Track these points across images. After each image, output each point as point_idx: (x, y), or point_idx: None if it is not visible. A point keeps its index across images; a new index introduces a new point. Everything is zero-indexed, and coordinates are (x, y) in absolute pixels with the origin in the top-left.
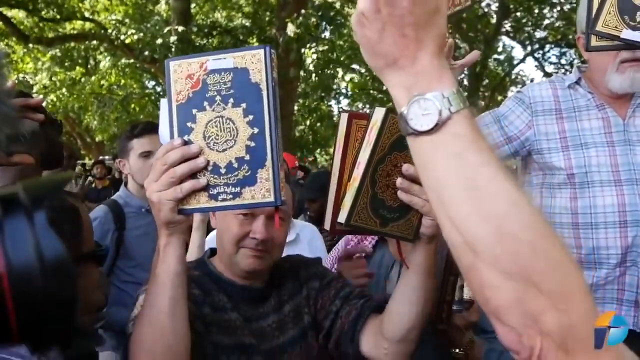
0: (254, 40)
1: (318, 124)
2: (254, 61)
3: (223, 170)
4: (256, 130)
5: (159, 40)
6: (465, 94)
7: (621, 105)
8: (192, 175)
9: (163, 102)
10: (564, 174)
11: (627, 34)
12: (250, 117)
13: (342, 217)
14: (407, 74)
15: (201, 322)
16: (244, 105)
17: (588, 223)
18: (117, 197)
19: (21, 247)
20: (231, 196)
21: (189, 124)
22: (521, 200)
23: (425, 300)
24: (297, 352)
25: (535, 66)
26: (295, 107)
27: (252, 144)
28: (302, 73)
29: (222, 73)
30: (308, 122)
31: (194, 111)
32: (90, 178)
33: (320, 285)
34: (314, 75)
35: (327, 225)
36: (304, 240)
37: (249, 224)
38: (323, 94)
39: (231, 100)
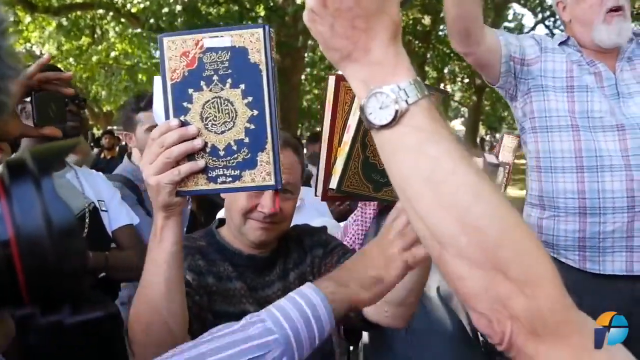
0: (261, 9)
1: None
2: (253, 40)
3: (222, 153)
4: (256, 112)
5: (165, 9)
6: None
7: (609, 61)
8: (189, 156)
9: (156, 80)
10: (567, 115)
11: None
12: (250, 98)
13: (333, 183)
14: (362, 66)
15: (204, 292)
16: (242, 86)
17: (593, 166)
18: (123, 172)
19: (29, 212)
20: (231, 179)
21: (185, 104)
22: (484, 189)
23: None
24: None
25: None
26: (302, 77)
27: (252, 127)
28: (309, 42)
29: (220, 52)
30: (315, 92)
31: (190, 91)
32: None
33: (324, 252)
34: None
35: (318, 192)
36: (308, 204)
37: (257, 197)
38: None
39: (229, 80)
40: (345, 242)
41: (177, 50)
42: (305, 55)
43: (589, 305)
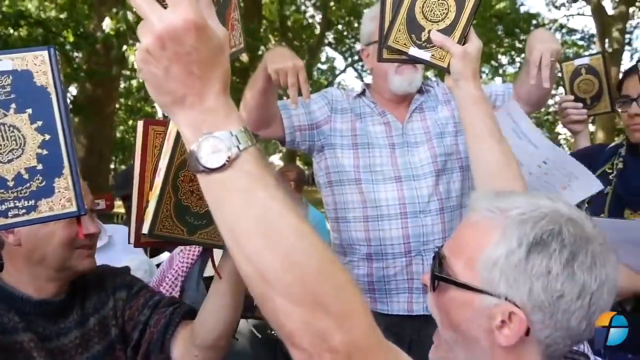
0: (69, 34)
1: None
2: (37, 63)
3: (11, 184)
4: (48, 136)
5: None
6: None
7: (401, 111)
8: None
9: None
10: (352, 170)
11: (414, 51)
12: (39, 123)
13: (145, 228)
14: (195, 112)
15: None
16: (29, 110)
17: (375, 216)
18: None
19: None
20: (24, 211)
21: None
22: (305, 231)
23: (235, 307)
24: None
25: (355, 76)
26: (117, 107)
27: (45, 152)
28: (124, 71)
29: (0, 76)
30: (130, 123)
31: None
32: None
33: (128, 295)
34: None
35: (130, 239)
36: (118, 242)
37: (74, 222)
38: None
39: (13, 105)
40: (169, 275)
41: None
42: (120, 84)
43: None
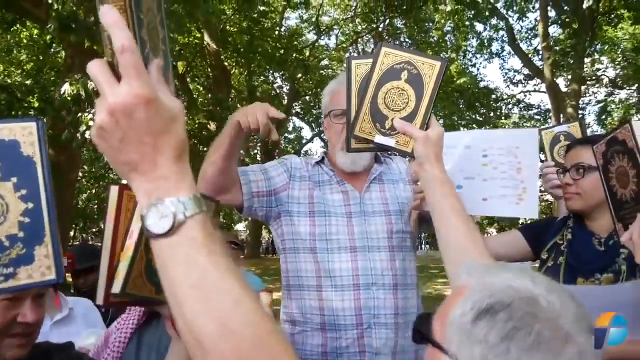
0: (35, 99)
1: (105, 193)
2: (25, 134)
3: None
4: (31, 205)
5: None
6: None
7: (358, 181)
8: None
9: None
10: (308, 238)
11: (379, 138)
12: (23, 191)
13: (116, 287)
14: (148, 179)
15: None
16: (14, 179)
17: (328, 285)
18: None
19: None
20: (2, 278)
21: None
22: (245, 299)
23: None
24: None
25: (321, 146)
26: (80, 174)
27: (27, 220)
28: (87, 136)
29: None
30: (94, 190)
31: None
32: None
33: None
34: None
35: (99, 300)
36: (78, 315)
37: (15, 308)
38: None
39: None
40: (105, 355)
41: None
42: (83, 151)
43: None
